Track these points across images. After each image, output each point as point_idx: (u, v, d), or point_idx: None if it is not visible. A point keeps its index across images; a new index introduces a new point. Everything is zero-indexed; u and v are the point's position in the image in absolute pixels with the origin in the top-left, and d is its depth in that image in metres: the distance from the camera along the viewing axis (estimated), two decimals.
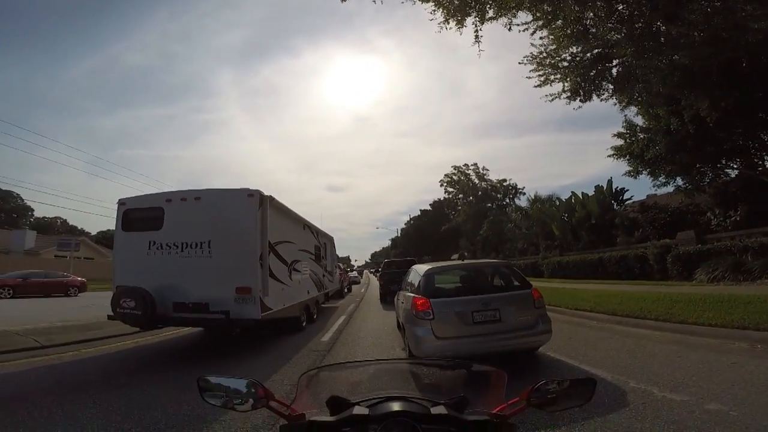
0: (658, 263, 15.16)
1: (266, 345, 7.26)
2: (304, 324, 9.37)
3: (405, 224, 72.66)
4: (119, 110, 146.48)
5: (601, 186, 25.57)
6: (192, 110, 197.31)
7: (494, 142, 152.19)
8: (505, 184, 51.23)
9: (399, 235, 73.65)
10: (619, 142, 19.75)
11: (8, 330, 7.16)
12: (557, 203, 30.06)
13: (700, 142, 15.61)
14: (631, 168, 19.46)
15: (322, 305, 13.04)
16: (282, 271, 8.12)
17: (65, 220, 72.79)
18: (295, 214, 9.92)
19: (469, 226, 47.63)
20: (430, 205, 66.69)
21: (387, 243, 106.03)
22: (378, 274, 24.10)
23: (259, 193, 7.03)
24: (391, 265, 18.87)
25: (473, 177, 53.45)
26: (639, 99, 14.87)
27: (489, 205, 50.19)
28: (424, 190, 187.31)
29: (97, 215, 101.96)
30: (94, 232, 70.19)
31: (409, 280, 6.65)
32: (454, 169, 54.98)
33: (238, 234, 6.80)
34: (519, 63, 14.48)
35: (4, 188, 54.82)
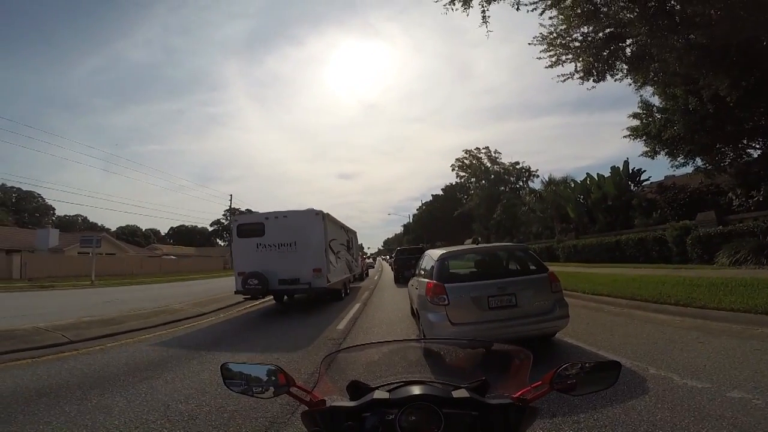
0: (677, 245, 14.86)
1: (284, 334, 7.42)
2: (343, 295, 13.25)
3: (417, 210, 72.55)
4: (128, 107, 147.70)
5: (618, 167, 25.04)
6: (200, 104, 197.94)
7: (506, 125, 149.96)
8: (518, 167, 50.56)
9: (411, 221, 73.61)
10: (635, 122, 19.29)
11: (38, 327, 7.43)
12: (572, 185, 29.50)
13: (720, 122, 15.12)
14: (648, 148, 19.01)
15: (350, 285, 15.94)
16: (333, 259, 12.13)
17: (86, 217, 74.93)
18: (336, 220, 13.96)
19: (482, 210, 47.28)
20: (442, 189, 66.25)
21: (399, 229, 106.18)
22: (391, 260, 26.65)
23: (322, 212, 11.31)
24: (403, 252, 21.49)
25: (485, 160, 52.85)
26: (655, 79, 14.42)
27: (502, 188, 49.66)
28: (436, 175, 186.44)
29: (116, 211, 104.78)
30: (113, 228, 72.14)
31: (422, 266, 6.59)
32: (466, 153, 54.42)
33: (311, 237, 10.92)
34: (529, 44, 14.17)
35: (25, 188, 56.54)
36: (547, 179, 33.39)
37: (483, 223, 47.48)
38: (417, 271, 7.15)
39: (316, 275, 10.70)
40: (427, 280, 5.52)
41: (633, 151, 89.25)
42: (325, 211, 11.43)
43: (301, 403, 1.16)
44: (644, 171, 25.38)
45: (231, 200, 62.47)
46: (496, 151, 52.37)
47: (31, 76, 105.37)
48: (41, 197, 62.92)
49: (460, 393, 1.08)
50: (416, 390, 1.08)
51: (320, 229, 11.15)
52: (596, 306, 8.33)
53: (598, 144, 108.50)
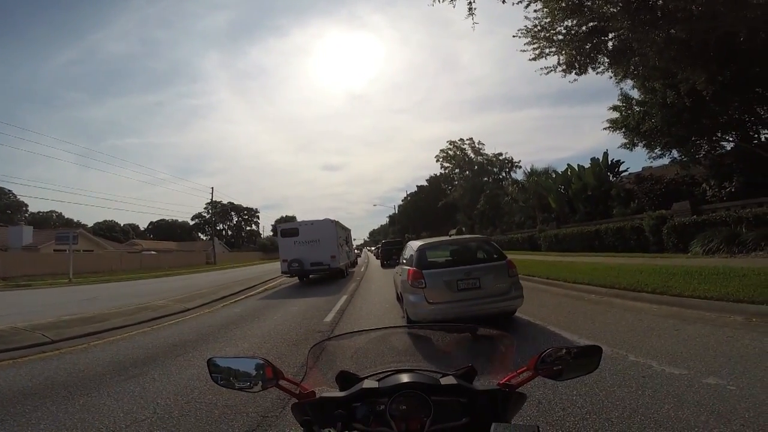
0: (654, 235, 15.31)
1: (270, 328, 7.41)
2: (345, 275, 18.87)
3: (402, 201, 72.71)
4: (106, 100, 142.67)
5: (597, 159, 25.55)
6: (181, 96, 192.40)
7: (490, 116, 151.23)
8: (501, 157, 51.07)
9: (396, 212, 73.77)
10: (615, 115, 19.68)
11: (17, 327, 7.23)
12: (553, 176, 29.98)
13: (696, 115, 15.54)
14: (627, 140, 19.44)
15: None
16: (340, 249, 18.24)
17: (60, 213, 72.61)
18: (341, 223, 20.86)
19: (466, 201, 47.71)
20: (426, 180, 66.51)
21: (385, 220, 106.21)
22: (377, 251, 35.44)
23: (335, 220, 18.05)
24: (387, 244, 29.05)
25: (469, 151, 53.15)
26: (635, 72, 14.71)
27: (485, 179, 50.15)
28: (421, 166, 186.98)
29: (93, 207, 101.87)
30: (90, 224, 70.04)
31: (405, 255, 7.56)
32: (450, 144, 54.58)
33: (328, 236, 17.15)
34: (513, 36, 14.24)
35: None
36: (529, 170, 33.90)
37: (467, 213, 47.95)
38: (400, 260, 8.16)
39: (332, 260, 17.09)
40: (408, 267, 6.39)
41: (611, 143, 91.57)
42: (335, 219, 18.75)
43: (290, 395, 1.17)
44: (623, 162, 25.95)
45: (212, 193, 61.32)
46: (479, 142, 52.72)
47: (2, 69, 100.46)
48: (12, 193, 60.51)
49: (448, 380, 1.11)
50: (405, 378, 1.11)
51: (334, 231, 17.73)
52: (577, 294, 8.58)
53: (577, 136, 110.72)
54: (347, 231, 24.29)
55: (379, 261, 29.24)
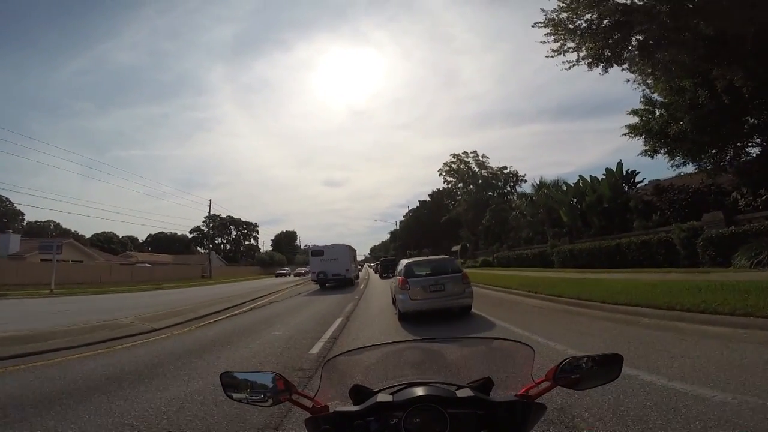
0: (685, 248, 13.85)
1: (251, 354, 5.90)
2: (354, 283, 25.28)
3: (404, 216, 71.22)
4: (112, 110, 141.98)
5: (612, 169, 24.19)
6: (186, 108, 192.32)
7: (491, 132, 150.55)
8: (506, 171, 49.87)
9: (398, 228, 72.26)
10: (634, 119, 18.40)
11: None
12: (564, 188, 28.54)
13: (723, 119, 14.36)
14: (648, 147, 18.13)
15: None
16: (352, 265, 27.27)
17: (58, 223, 71.50)
18: (351, 246, 28.90)
19: (470, 216, 46.27)
20: (429, 195, 65.26)
21: (386, 236, 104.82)
22: (376, 267, 42.15)
23: (348, 245, 27.31)
24: (385, 261, 35.53)
25: (473, 165, 52.07)
26: (662, 69, 13.57)
27: (490, 193, 48.80)
28: (423, 182, 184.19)
29: (93, 218, 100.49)
30: (89, 235, 68.73)
31: (398, 269, 10.26)
32: (453, 157, 53.57)
33: (344, 255, 25.33)
34: (532, 26, 13.20)
35: None
36: (538, 182, 32.43)
37: (471, 228, 46.36)
38: (395, 273, 11.25)
39: (347, 272, 24.14)
40: (399, 276, 9.09)
41: (616, 156, 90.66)
42: (348, 244, 26.96)
43: (303, 410, 1.11)
44: (639, 172, 24.53)
45: (210, 206, 60.06)
46: (483, 156, 51.66)
47: (11, 77, 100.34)
48: (9, 201, 59.49)
49: (464, 392, 1.07)
50: (420, 391, 1.05)
51: (348, 252, 25.35)
52: (623, 318, 6.99)
53: (579, 150, 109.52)
54: (354, 251, 32.37)
55: (377, 276, 34.83)
